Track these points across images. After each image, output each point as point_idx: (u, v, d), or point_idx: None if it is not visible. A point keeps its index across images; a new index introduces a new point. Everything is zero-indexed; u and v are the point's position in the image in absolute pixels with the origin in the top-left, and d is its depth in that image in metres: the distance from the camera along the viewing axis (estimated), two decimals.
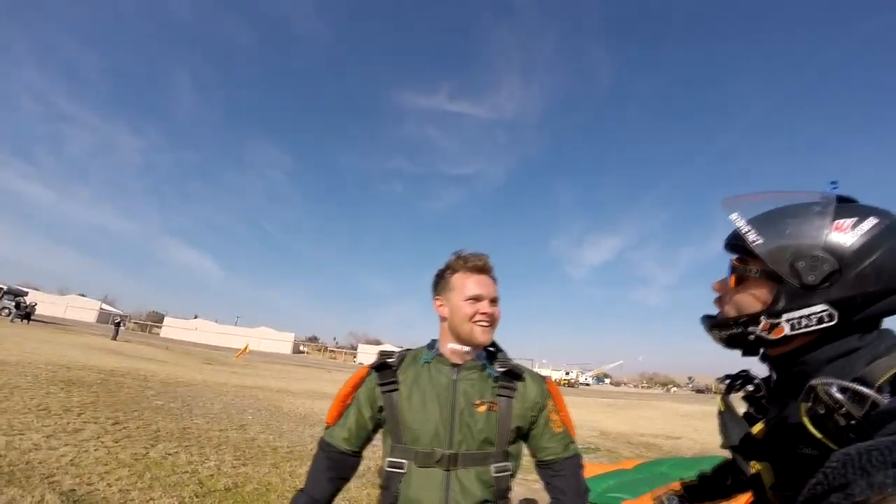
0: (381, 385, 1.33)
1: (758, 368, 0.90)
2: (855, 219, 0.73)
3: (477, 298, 1.31)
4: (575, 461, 1.39)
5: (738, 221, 0.81)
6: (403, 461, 1.27)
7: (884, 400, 0.58)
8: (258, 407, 9.20)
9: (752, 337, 0.78)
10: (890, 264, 0.70)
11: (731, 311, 0.84)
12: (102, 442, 4.69)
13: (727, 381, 0.94)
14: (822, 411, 0.63)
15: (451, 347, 1.34)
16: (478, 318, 1.30)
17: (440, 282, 1.39)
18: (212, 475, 4.26)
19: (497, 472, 1.27)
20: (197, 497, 3.62)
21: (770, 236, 0.77)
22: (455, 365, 1.33)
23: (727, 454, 0.94)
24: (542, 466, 1.39)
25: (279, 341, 60.97)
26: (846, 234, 0.72)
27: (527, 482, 4.59)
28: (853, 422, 0.59)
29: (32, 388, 6.94)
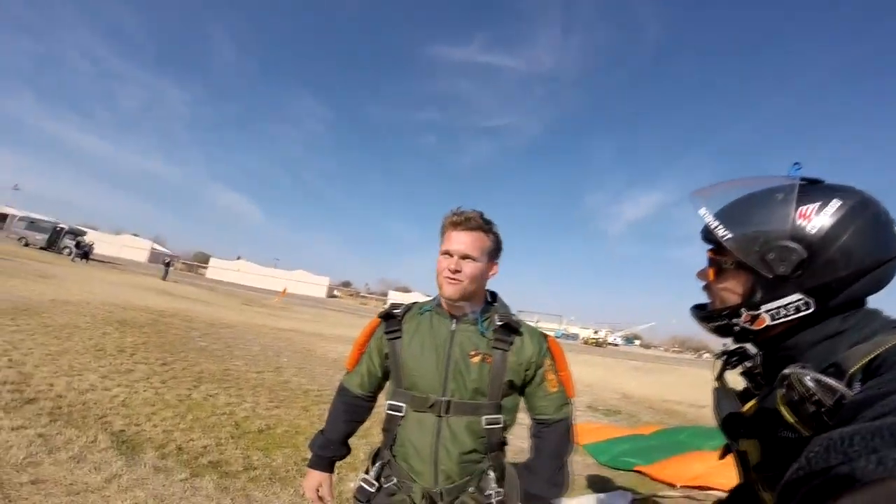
0: (387, 333, 1.43)
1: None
2: (818, 203, 0.73)
3: (448, 254, 1.36)
4: (564, 423, 1.42)
5: (707, 217, 0.82)
6: (402, 405, 1.37)
7: (849, 392, 0.60)
8: (293, 350, 9.76)
9: (736, 328, 0.81)
10: (857, 247, 0.70)
11: (715, 303, 0.86)
12: (151, 383, 5.13)
13: (723, 358, 0.95)
14: (796, 398, 0.65)
15: (444, 300, 1.40)
16: (445, 273, 1.35)
17: (440, 236, 1.46)
18: (247, 416, 4.62)
19: (488, 424, 1.33)
20: (232, 438, 3.96)
21: (737, 229, 0.78)
22: (454, 316, 1.39)
23: None
24: (534, 423, 1.45)
25: (314, 285, 63.58)
26: (811, 221, 0.72)
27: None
28: (824, 409, 0.62)
29: (91, 327, 7.58)
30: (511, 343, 1.37)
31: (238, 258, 72.53)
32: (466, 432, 1.31)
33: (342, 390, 1.55)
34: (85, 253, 30.29)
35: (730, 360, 0.93)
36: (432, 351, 1.36)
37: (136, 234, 71.62)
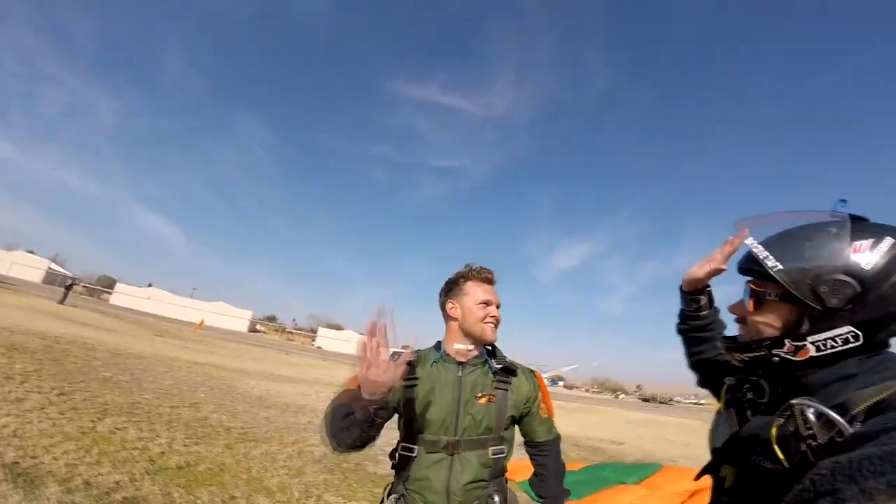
0: (404, 379, 1.52)
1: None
2: (872, 240, 0.73)
3: (487, 303, 1.59)
4: (557, 442, 1.71)
5: (755, 247, 0.83)
6: (415, 447, 1.50)
7: (849, 428, 0.61)
8: (211, 385, 9.04)
9: (776, 359, 0.79)
10: None
11: (752, 334, 0.85)
12: (47, 413, 4.53)
13: (733, 383, 0.94)
14: (791, 429, 0.66)
15: (456, 347, 1.59)
16: (488, 319, 1.58)
17: (454, 287, 1.65)
18: (163, 452, 4.21)
19: (494, 455, 1.52)
20: (148, 474, 3.58)
21: (789, 261, 0.78)
22: (460, 363, 1.58)
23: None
24: (531, 446, 1.69)
25: (235, 318, 59.14)
26: (865, 256, 0.73)
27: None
28: (815, 444, 0.63)
29: None
30: (510, 383, 1.58)
31: (149, 285, 66.09)
32: (476, 464, 1.48)
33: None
34: None
35: (740, 388, 0.92)
36: (443, 396, 1.51)
37: (31, 252, 62.92)
